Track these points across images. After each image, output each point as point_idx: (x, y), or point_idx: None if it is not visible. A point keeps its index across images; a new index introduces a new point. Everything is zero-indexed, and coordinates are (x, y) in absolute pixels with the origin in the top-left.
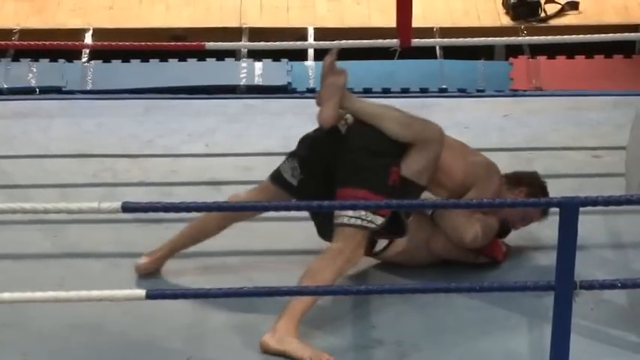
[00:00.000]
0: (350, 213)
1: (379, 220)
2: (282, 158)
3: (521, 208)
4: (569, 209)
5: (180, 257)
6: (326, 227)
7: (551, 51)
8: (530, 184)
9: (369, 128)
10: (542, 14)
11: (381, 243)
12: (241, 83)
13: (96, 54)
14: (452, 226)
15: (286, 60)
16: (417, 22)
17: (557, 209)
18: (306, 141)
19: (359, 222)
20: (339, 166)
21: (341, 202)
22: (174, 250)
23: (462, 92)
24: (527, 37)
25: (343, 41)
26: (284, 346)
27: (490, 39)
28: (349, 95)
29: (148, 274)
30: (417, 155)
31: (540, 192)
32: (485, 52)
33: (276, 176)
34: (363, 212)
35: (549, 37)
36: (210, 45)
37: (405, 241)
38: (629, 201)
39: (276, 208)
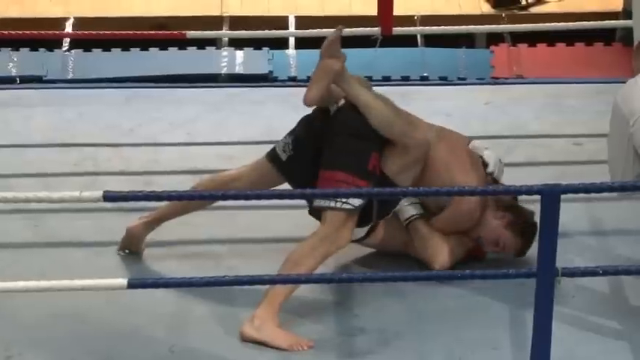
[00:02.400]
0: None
1: (357, 202)
2: (264, 147)
3: (498, 231)
4: (551, 197)
5: (162, 245)
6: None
7: (532, 39)
8: (519, 214)
9: (356, 112)
10: (523, 2)
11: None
12: (222, 72)
13: (77, 43)
14: (424, 245)
15: (267, 48)
16: (398, 10)
17: (538, 197)
18: (303, 120)
19: (333, 204)
20: (324, 148)
21: (317, 190)
22: (164, 216)
23: (443, 80)
24: (508, 25)
25: (324, 29)
26: (262, 334)
27: (471, 27)
28: (348, 78)
29: (134, 245)
30: (395, 155)
31: (524, 230)
32: (466, 40)
33: (270, 152)
34: None
35: (530, 25)
36: (192, 34)
37: (384, 235)
38: (610, 188)
39: (259, 197)
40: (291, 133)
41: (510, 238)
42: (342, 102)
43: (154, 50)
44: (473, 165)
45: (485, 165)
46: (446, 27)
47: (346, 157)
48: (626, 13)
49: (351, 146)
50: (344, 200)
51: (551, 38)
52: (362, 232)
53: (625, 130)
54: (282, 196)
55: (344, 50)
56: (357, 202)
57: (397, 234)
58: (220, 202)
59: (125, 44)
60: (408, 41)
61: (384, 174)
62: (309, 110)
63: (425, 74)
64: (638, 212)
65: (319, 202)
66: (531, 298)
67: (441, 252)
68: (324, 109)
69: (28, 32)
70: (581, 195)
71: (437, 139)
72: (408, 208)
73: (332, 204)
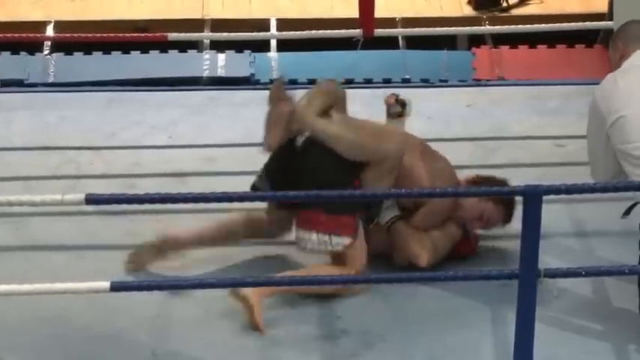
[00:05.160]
0: (314, 239)
1: (345, 240)
2: (246, 149)
3: (478, 206)
4: (533, 198)
5: None
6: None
7: (513, 40)
8: (494, 183)
9: (324, 146)
10: (504, 4)
11: None
12: (204, 75)
13: (58, 46)
14: (406, 245)
15: (249, 51)
16: (379, 12)
17: (520, 198)
18: (273, 153)
19: (322, 247)
20: (299, 184)
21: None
22: (198, 242)
23: (425, 82)
24: (490, 27)
25: (306, 32)
26: (251, 299)
27: (452, 29)
28: (302, 116)
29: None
30: (373, 173)
31: (505, 200)
32: (447, 42)
33: (252, 186)
34: (326, 237)
35: (511, 27)
36: (173, 36)
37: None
38: (592, 189)
39: (242, 199)
40: (265, 166)
41: (492, 209)
42: (307, 133)
43: (135, 53)
44: (441, 165)
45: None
46: (427, 29)
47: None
48: (611, 15)
49: (329, 182)
50: (333, 242)
51: (532, 40)
52: None
53: (602, 127)
54: (264, 198)
55: (325, 52)
56: (346, 240)
57: (381, 238)
58: (204, 205)
59: (106, 47)
60: (390, 43)
61: None
62: None
63: (407, 76)
64: (619, 213)
65: (305, 244)
66: (514, 299)
67: (422, 249)
68: (291, 139)
69: (9, 35)
70: (563, 196)
71: (404, 145)
72: (386, 212)
73: (322, 247)
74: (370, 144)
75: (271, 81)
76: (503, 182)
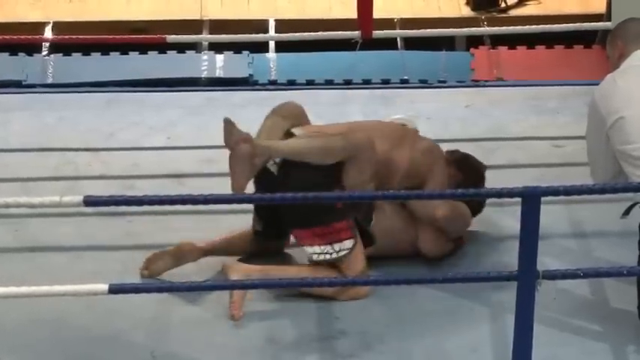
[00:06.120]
0: (317, 250)
1: (348, 243)
2: None
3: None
4: (531, 199)
5: (144, 249)
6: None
7: (511, 41)
8: (463, 169)
9: (298, 163)
10: (503, 4)
11: None
12: (203, 76)
13: (56, 47)
14: (422, 206)
15: (247, 52)
16: (377, 13)
17: (519, 199)
18: (255, 187)
19: (328, 257)
20: (284, 208)
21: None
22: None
23: (424, 83)
24: (488, 28)
25: (304, 33)
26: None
27: (451, 30)
28: (264, 149)
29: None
30: (352, 169)
31: (475, 178)
32: (446, 43)
33: (255, 232)
34: (329, 247)
35: (510, 28)
36: (172, 38)
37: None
38: (591, 190)
39: (238, 201)
40: (254, 205)
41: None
42: (278, 159)
43: (133, 54)
44: (410, 142)
45: None
46: (426, 30)
47: (313, 209)
48: (609, 16)
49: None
50: (336, 250)
51: (530, 41)
52: None
53: (602, 128)
54: (262, 199)
55: (324, 53)
56: (348, 244)
57: (390, 222)
58: (203, 206)
59: (105, 48)
60: (388, 44)
61: None
62: None
63: (405, 77)
64: (618, 214)
65: (318, 257)
66: (512, 300)
67: (439, 202)
68: (264, 168)
69: (7, 37)
70: (562, 197)
71: (372, 131)
72: None
73: (328, 257)
74: (338, 143)
75: (270, 82)
76: (475, 166)
